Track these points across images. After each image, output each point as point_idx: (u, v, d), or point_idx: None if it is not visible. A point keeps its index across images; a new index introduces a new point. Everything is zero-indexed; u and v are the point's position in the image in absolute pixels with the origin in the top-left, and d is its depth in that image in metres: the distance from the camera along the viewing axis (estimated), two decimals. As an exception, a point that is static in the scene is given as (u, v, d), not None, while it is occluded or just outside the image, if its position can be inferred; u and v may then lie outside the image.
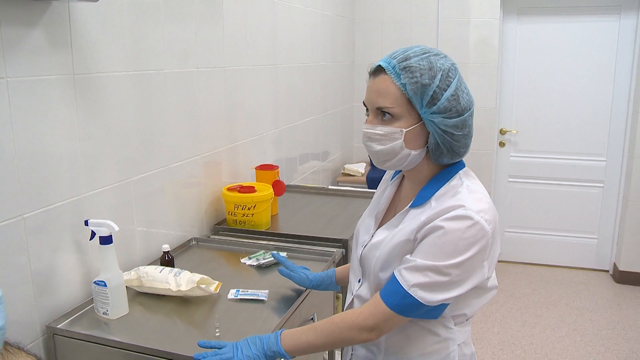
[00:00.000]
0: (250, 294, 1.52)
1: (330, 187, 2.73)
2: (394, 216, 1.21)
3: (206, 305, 1.48)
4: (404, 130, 1.08)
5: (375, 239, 1.20)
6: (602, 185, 4.04)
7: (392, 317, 1.08)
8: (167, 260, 1.66)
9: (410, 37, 3.95)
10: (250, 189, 2.09)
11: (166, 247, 1.66)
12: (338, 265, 1.84)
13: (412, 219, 1.12)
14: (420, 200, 1.13)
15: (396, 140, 1.09)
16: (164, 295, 1.52)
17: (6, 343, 0.70)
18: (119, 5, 1.56)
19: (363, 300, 1.21)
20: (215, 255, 1.88)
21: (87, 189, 1.49)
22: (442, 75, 1.06)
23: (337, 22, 3.62)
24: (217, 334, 1.32)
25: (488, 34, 3.84)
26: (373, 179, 3.58)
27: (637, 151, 3.72)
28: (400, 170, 1.26)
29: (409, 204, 1.16)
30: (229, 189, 2.11)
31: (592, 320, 3.42)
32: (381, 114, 1.09)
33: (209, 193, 2.12)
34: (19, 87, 1.27)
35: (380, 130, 1.09)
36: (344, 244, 1.93)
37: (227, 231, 2.08)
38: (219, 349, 1.16)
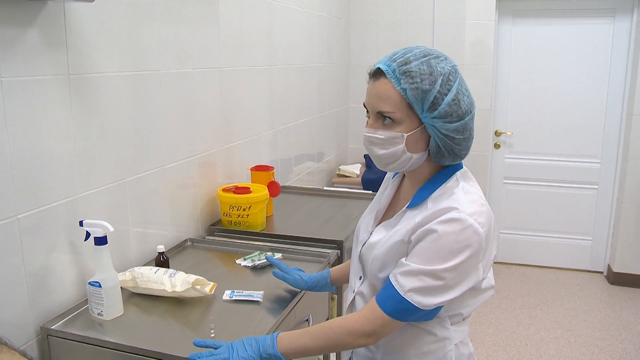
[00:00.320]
0: (245, 295, 1.53)
1: (325, 188, 2.74)
2: (392, 215, 1.22)
3: (201, 306, 1.48)
4: (405, 134, 1.09)
5: (373, 237, 1.21)
6: (596, 187, 4.06)
7: (389, 322, 1.08)
8: (162, 261, 1.66)
9: (405, 39, 3.96)
10: (245, 190, 2.09)
11: (161, 248, 1.66)
12: (333, 266, 1.84)
13: (408, 220, 1.13)
14: (417, 201, 1.14)
15: (398, 145, 1.10)
16: (158, 296, 1.52)
17: (1, 343, 0.70)
18: (114, 5, 1.56)
19: (365, 297, 1.22)
20: (210, 256, 1.88)
21: (82, 190, 1.49)
22: (442, 79, 1.06)
23: (332, 23, 3.63)
24: (212, 335, 1.32)
25: (483, 36, 3.85)
26: (368, 180, 3.59)
27: (631, 153, 3.75)
28: None
29: (406, 205, 1.17)
30: (224, 190, 2.11)
31: (586, 322, 3.44)
32: (382, 118, 1.10)
33: (204, 194, 2.12)
34: (13, 87, 1.27)
35: (382, 134, 1.10)
36: (339, 245, 1.93)
37: (222, 232, 2.08)
38: (214, 349, 1.16)
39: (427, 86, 1.05)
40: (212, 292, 1.53)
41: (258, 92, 2.56)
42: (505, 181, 4.21)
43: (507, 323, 3.44)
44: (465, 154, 1.15)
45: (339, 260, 1.91)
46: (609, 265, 4.06)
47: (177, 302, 1.50)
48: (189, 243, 1.98)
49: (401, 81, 1.06)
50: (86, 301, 1.46)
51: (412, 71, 1.06)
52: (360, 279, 1.25)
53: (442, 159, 1.13)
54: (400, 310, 1.07)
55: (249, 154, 2.48)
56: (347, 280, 1.45)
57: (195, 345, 1.19)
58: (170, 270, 1.54)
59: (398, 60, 1.08)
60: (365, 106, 1.14)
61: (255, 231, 2.07)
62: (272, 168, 2.32)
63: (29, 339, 1.36)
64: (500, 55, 4.01)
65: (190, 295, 1.50)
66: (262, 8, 2.53)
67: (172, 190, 1.91)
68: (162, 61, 1.79)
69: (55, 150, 1.40)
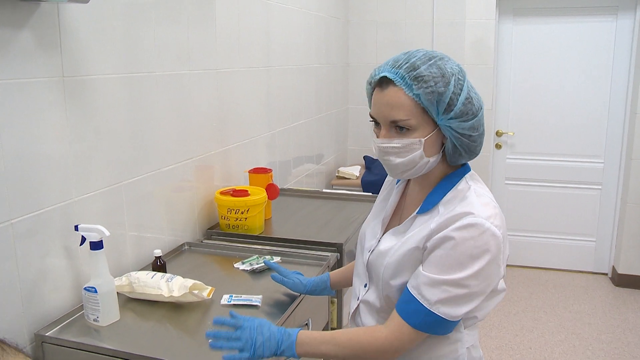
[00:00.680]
0: (243, 299, 1.52)
1: (324, 190, 2.74)
2: (399, 221, 1.21)
3: (199, 311, 1.48)
4: (423, 140, 1.08)
5: (382, 245, 1.19)
6: (599, 187, 4.06)
7: (417, 336, 1.09)
8: (159, 265, 1.66)
9: (404, 39, 3.97)
10: (243, 193, 2.09)
11: (158, 252, 1.66)
12: (332, 269, 1.84)
13: (420, 226, 1.12)
14: (428, 206, 1.14)
15: (416, 151, 1.09)
16: (155, 301, 1.52)
17: (3, 343, 0.70)
18: (110, 6, 1.57)
19: (370, 305, 1.21)
20: (208, 260, 1.88)
21: (77, 194, 1.49)
22: (454, 80, 1.06)
23: (331, 23, 3.64)
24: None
25: (483, 35, 3.86)
26: (368, 182, 3.59)
27: (635, 152, 3.75)
28: None
29: (416, 210, 1.16)
30: (222, 193, 2.11)
31: (591, 324, 3.44)
32: (396, 127, 1.09)
33: (202, 197, 2.12)
34: (7, 90, 1.27)
35: (398, 143, 1.09)
36: (339, 248, 1.93)
37: (220, 235, 2.08)
38: (234, 330, 1.13)
39: (442, 88, 1.05)
40: (210, 297, 1.52)
41: (255, 93, 2.56)
42: (507, 182, 4.21)
43: (510, 326, 3.44)
44: (480, 150, 1.15)
45: (339, 263, 1.91)
46: (613, 266, 4.06)
47: (174, 307, 1.49)
48: (186, 247, 1.98)
49: (413, 87, 1.05)
50: (82, 307, 1.45)
51: (424, 75, 1.05)
52: (365, 286, 1.24)
53: (460, 158, 1.13)
54: (428, 324, 1.07)
55: (246, 156, 2.48)
56: (347, 285, 1.44)
57: (214, 324, 1.16)
58: (168, 275, 1.54)
59: (405, 66, 1.07)
60: (372, 117, 1.12)
61: (254, 234, 2.06)
62: (271, 170, 2.32)
63: (23, 346, 1.35)
64: (500, 55, 4.02)
65: (188, 300, 1.49)
66: (259, 8, 2.53)
67: (169, 194, 1.91)
68: (158, 63, 1.80)
69: (50, 153, 1.40)
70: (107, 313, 1.40)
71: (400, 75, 1.07)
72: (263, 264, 1.76)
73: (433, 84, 1.05)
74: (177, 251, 1.93)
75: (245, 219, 2.06)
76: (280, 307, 1.50)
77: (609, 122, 3.94)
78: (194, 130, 2.05)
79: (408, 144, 1.08)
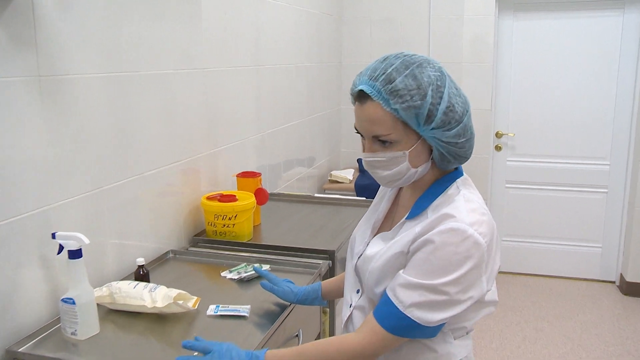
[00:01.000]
0: (231, 309, 1.52)
1: (316, 195, 2.74)
2: (390, 226, 1.23)
3: (184, 322, 1.48)
4: (407, 152, 1.11)
5: (369, 250, 1.21)
6: (605, 190, 4.08)
7: (391, 340, 1.09)
8: (141, 274, 1.65)
9: (400, 36, 3.98)
10: (231, 198, 2.09)
11: (141, 261, 1.65)
12: (324, 278, 1.84)
13: (407, 231, 1.14)
14: (417, 211, 1.15)
15: (401, 163, 1.12)
16: (138, 313, 1.51)
17: None
18: (90, 1, 1.56)
19: (365, 311, 1.22)
20: (193, 269, 1.87)
21: (55, 199, 1.48)
22: (432, 89, 1.07)
23: (323, 20, 3.65)
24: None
25: (482, 32, 3.88)
26: (362, 186, 3.59)
27: (641, 154, 3.77)
28: None
29: (406, 216, 1.18)
30: (209, 198, 2.11)
31: (598, 335, 3.45)
32: (379, 141, 1.11)
33: (187, 202, 2.12)
34: (-20, 90, 1.26)
35: (383, 156, 1.12)
36: (331, 256, 1.93)
37: (206, 243, 2.07)
38: (203, 355, 1.18)
39: (419, 102, 1.06)
40: (196, 307, 1.52)
41: (244, 94, 2.56)
42: (507, 185, 4.23)
43: (512, 337, 3.44)
44: (471, 153, 1.17)
45: (331, 271, 1.91)
46: (621, 274, 4.07)
47: (158, 319, 1.49)
48: (171, 255, 1.97)
49: (390, 102, 1.07)
50: (58, 320, 1.44)
51: (399, 89, 1.06)
52: (358, 292, 1.25)
53: (449, 164, 1.15)
54: (402, 327, 1.08)
55: (234, 159, 2.48)
56: (339, 295, 1.45)
57: (184, 347, 1.20)
58: (151, 285, 1.53)
59: (381, 79, 1.08)
60: (356, 129, 1.15)
61: (242, 241, 2.06)
62: (260, 174, 2.32)
63: (-4, 361, 1.34)
64: (500, 52, 4.04)
65: (172, 311, 1.49)
66: (248, 5, 2.54)
67: (153, 199, 1.90)
68: (141, 61, 1.79)
69: (26, 157, 1.39)
70: (86, 326, 1.39)
71: (377, 89, 1.09)
72: (252, 272, 1.75)
73: (409, 97, 1.06)
74: (161, 259, 1.93)
75: (233, 225, 2.06)
76: (270, 317, 1.50)
77: (615, 122, 3.95)
78: (180, 132, 2.05)
79: (393, 157, 1.11)
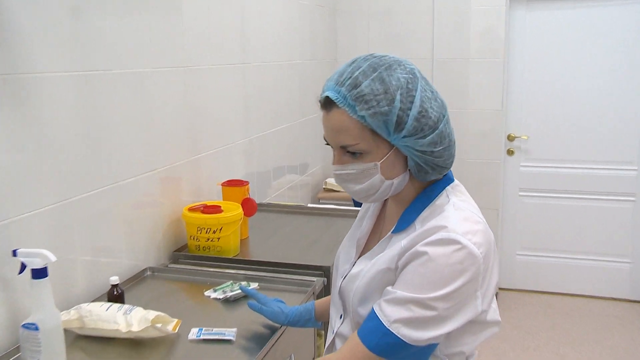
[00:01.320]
0: (215, 333, 1.51)
1: (310, 205, 2.74)
2: (378, 242, 1.23)
3: (163, 348, 1.47)
4: (378, 163, 1.12)
5: (355, 269, 1.22)
6: (633, 198, 4.06)
7: None
8: (115, 295, 1.64)
9: (401, 30, 4.00)
10: (215, 209, 2.09)
11: (115, 280, 1.65)
12: (319, 297, 1.83)
13: (393, 246, 1.15)
14: (403, 224, 1.16)
15: (373, 176, 1.13)
16: (111, 338, 1.50)
17: None
18: (55, -7, 1.56)
19: (345, 339, 1.21)
20: (174, 288, 1.87)
21: (17, 212, 1.47)
22: (401, 94, 1.08)
23: (316, 12, 3.66)
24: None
25: (492, 24, 3.90)
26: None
27: (668, 158, 3.78)
28: None
29: (392, 230, 1.18)
30: (191, 209, 2.11)
31: None
32: (348, 152, 1.12)
33: (167, 214, 2.12)
34: None
35: (352, 169, 1.13)
36: (326, 272, 1.93)
37: (188, 259, 2.07)
38: None
39: (386, 107, 1.07)
40: (176, 331, 1.51)
41: (230, 94, 2.56)
42: (521, 193, 4.23)
43: (528, 360, 3.43)
44: (451, 162, 1.17)
45: (326, 289, 1.90)
46: (651, 291, 4.06)
47: (133, 345, 1.48)
48: (148, 273, 1.97)
49: (356, 108, 1.08)
50: (18, 349, 1.42)
51: (365, 94, 1.07)
52: (340, 317, 1.26)
53: (427, 175, 1.15)
54: (385, 345, 1.07)
55: (219, 166, 2.47)
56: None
57: None
58: (126, 306, 1.52)
59: (347, 84, 1.09)
60: (325, 139, 1.17)
61: (228, 257, 2.06)
62: (247, 183, 2.33)
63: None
64: (512, 47, 4.05)
65: (150, 336, 1.48)
66: (232, -4, 2.55)
67: (128, 211, 1.90)
68: (114, 59, 1.79)
69: (-15, 165, 1.38)
70: (51, 354, 1.36)
71: (342, 95, 1.09)
72: (239, 291, 1.75)
73: (375, 103, 1.07)
74: (138, 278, 1.92)
75: (218, 239, 2.06)
76: (258, 341, 1.49)
77: (641, 123, 3.93)
78: (158, 137, 2.04)
79: (363, 170, 1.12)
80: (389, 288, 1.10)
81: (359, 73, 1.09)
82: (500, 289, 4.30)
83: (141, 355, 1.43)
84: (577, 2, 3.91)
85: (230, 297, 1.75)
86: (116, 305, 1.52)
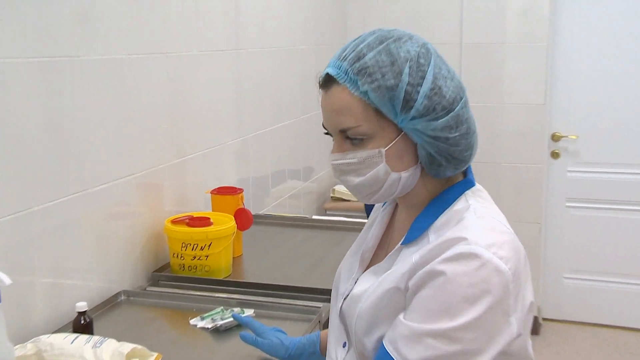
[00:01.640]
0: (201, 369, 1.51)
1: (315, 217, 2.74)
2: (385, 254, 1.22)
3: (139, 386, 1.47)
4: (383, 150, 1.12)
5: (357, 287, 1.22)
6: None
7: None
8: (83, 324, 1.64)
9: (422, 10, 4.00)
10: (203, 221, 2.09)
11: (82, 306, 1.65)
12: (325, 327, 1.83)
13: (404, 260, 1.14)
14: (415, 233, 1.16)
15: (377, 165, 1.13)
16: (78, 375, 1.50)
17: None
18: (15, -34, 1.57)
19: None
20: (153, 315, 1.87)
21: (-31, 224, 1.48)
22: (410, 66, 1.09)
23: (324, -11, 3.68)
24: None
25: (534, 3, 3.90)
26: (372, 204, 3.59)
27: None
28: None
29: (401, 241, 1.18)
30: (174, 222, 2.11)
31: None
32: (349, 138, 1.13)
33: (146, 227, 2.12)
34: None
35: (353, 157, 1.13)
36: (335, 296, 1.92)
37: (170, 280, 2.08)
38: None
39: (392, 80, 1.08)
40: (156, 367, 1.51)
41: (221, 85, 2.57)
42: (568, 204, 4.22)
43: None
44: (471, 156, 1.17)
45: (335, 317, 1.90)
46: None
47: (104, 382, 1.48)
48: (123, 297, 1.97)
49: (358, 83, 1.09)
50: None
51: (369, 67, 1.09)
52: (344, 346, 1.25)
53: (441, 169, 1.15)
54: None
55: (208, 171, 2.48)
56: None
57: None
58: (95, 338, 1.52)
59: (349, 57, 1.11)
60: (324, 128, 1.18)
61: (218, 278, 2.06)
62: (241, 190, 2.33)
63: None
64: (558, 29, 4.04)
65: (124, 372, 1.48)
66: (224, -31, 2.56)
67: (100, 223, 1.90)
68: (84, 44, 1.80)
69: None
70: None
71: (343, 69, 1.11)
72: (231, 320, 1.75)
73: (380, 76, 1.08)
74: (111, 303, 1.92)
75: (206, 257, 2.06)
76: (253, 380, 1.49)
77: None
78: (137, 135, 2.05)
79: (366, 158, 1.13)
80: (401, 318, 1.08)
81: (364, 46, 1.11)
82: (543, 319, 4.28)
83: (114, 395, 1.43)
84: (635, -25, 3.90)
85: (221, 326, 1.74)
86: (83, 337, 1.52)
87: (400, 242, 1.18)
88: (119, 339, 1.57)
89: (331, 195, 3.81)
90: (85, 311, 1.65)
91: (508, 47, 3.95)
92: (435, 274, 1.05)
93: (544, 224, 4.21)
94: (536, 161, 4.05)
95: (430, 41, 1.17)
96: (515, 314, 1.07)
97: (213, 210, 2.29)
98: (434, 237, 1.12)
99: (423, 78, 1.09)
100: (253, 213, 2.37)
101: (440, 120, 1.10)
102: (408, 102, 1.08)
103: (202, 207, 2.40)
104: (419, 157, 1.14)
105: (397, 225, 1.26)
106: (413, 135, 1.11)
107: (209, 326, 1.75)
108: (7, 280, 1.34)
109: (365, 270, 1.25)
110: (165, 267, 2.17)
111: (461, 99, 1.13)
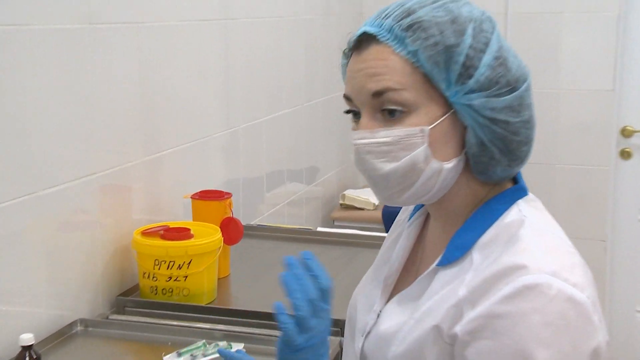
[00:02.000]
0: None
1: (320, 229, 2.74)
2: (415, 277, 1.22)
3: None
4: (427, 128, 1.10)
5: (384, 323, 1.20)
6: None
7: None
8: (29, 360, 1.65)
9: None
10: (182, 233, 2.10)
11: (28, 339, 1.63)
12: (334, 364, 1.84)
13: (443, 288, 1.12)
14: (455, 252, 1.14)
15: (416, 148, 1.10)
16: None
17: None
18: None
19: None
20: (118, 351, 1.87)
21: None
22: (473, 28, 1.09)
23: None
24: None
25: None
26: (391, 214, 3.58)
27: None
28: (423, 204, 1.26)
29: (437, 261, 1.16)
30: (146, 234, 2.11)
31: None
32: (382, 111, 1.11)
33: (110, 240, 2.12)
34: None
35: (386, 136, 1.11)
36: (343, 327, 1.92)
37: (140, 307, 2.08)
38: None
39: (452, 39, 1.07)
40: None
41: (205, 64, 2.58)
42: (642, 217, 4.21)
43: None
44: (528, 153, 1.16)
45: (342, 354, 1.91)
46: None
47: None
48: (79, 328, 1.96)
49: (407, 40, 1.08)
50: None
51: (423, 20, 1.08)
52: None
53: (491, 164, 1.14)
54: None
55: (188, 170, 2.49)
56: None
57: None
58: (45, 377, 1.53)
59: (395, 14, 1.10)
60: (347, 99, 1.16)
61: (199, 305, 2.06)
62: (229, 195, 2.33)
63: None
64: (628, -2, 4.05)
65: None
66: None
67: (52, 235, 1.90)
68: (33, 9, 1.80)
69: None
70: None
71: (386, 27, 1.10)
72: (215, 355, 1.76)
73: (437, 31, 1.07)
74: (64, 335, 1.92)
75: (185, 277, 2.06)
76: None
77: None
78: (99, 125, 2.05)
79: (403, 137, 1.10)
80: None
81: (414, 3, 1.11)
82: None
83: None
84: None
85: (202, 364, 1.76)
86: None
87: (435, 263, 1.16)
88: (74, 378, 1.59)
89: (340, 202, 3.81)
90: (32, 345, 1.64)
91: (567, 18, 3.95)
92: (495, 318, 1.03)
93: (611, 242, 4.20)
94: (601, 162, 4.04)
95: None
96: (604, 354, 1.05)
97: (194, 220, 2.29)
98: (479, 257, 1.10)
99: (487, 45, 1.09)
100: (244, 223, 2.38)
101: (503, 97, 1.10)
102: (468, 69, 1.08)
103: (180, 215, 2.40)
104: (465, 146, 1.13)
105: (429, 241, 1.25)
106: (465, 114, 1.10)
107: (188, 364, 1.76)
108: None
109: (389, 299, 1.24)
110: (134, 290, 2.17)
111: (525, 80, 1.13)
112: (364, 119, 1.13)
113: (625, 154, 4.17)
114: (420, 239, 1.29)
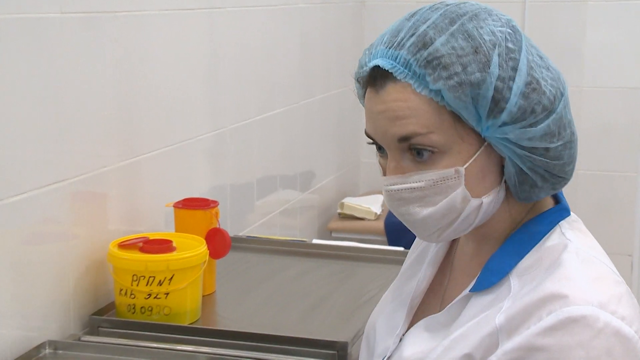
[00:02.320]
0: None
1: (316, 241, 2.74)
2: (441, 304, 1.23)
3: None
4: (462, 168, 1.11)
5: (408, 349, 1.21)
6: None
7: None
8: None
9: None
10: (163, 246, 2.10)
11: (-8, 361, 1.66)
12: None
13: (477, 317, 1.13)
14: (492, 278, 1.15)
15: (453, 190, 1.11)
16: None
17: None
18: None
19: None
20: (91, 376, 1.88)
21: None
22: (499, 54, 1.08)
23: None
24: None
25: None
26: (395, 225, 3.58)
27: None
28: None
29: (470, 286, 1.17)
30: (123, 246, 2.11)
31: None
32: (411, 151, 1.12)
33: (82, 253, 2.12)
34: None
35: (419, 180, 1.12)
36: (342, 352, 1.93)
37: (116, 327, 2.07)
38: None
39: (478, 74, 1.07)
40: None
41: (189, 58, 2.58)
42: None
43: None
44: (573, 170, 1.17)
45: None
46: None
47: None
48: (48, 350, 1.96)
49: (428, 79, 1.08)
50: None
51: (442, 56, 1.07)
52: None
53: (534, 191, 1.15)
54: None
55: (170, 176, 2.49)
56: None
57: None
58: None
59: (409, 44, 1.10)
60: (370, 137, 1.17)
61: (182, 325, 2.07)
62: (216, 204, 2.34)
63: None
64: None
65: None
66: None
67: (17, 248, 1.90)
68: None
69: None
70: None
71: (402, 60, 1.10)
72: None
73: (460, 69, 1.07)
74: (31, 358, 1.90)
75: (166, 295, 2.06)
76: None
77: None
78: (71, 126, 2.05)
79: (437, 180, 1.11)
80: None
81: (428, 27, 1.10)
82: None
83: None
84: None
85: (184, 390, 1.77)
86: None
87: (468, 288, 1.17)
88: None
89: (338, 211, 3.81)
90: (-3, 368, 1.67)
91: (591, 7, 3.95)
92: (534, 351, 1.04)
93: (638, 257, 4.21)
94: (628, 168, 4.06)
95: (483, 1, 1.18)
96: None
97: (177, 231, 2.30)
98: (518, 283, 1.11)
99: (515, 70, 1.09)
100: (231, 235, 2.39)
101: (540, 125, 1.10)
102: (498, 103, 1.08)
103: (161, 225, 2.41)
104: (504, 175, 1.14)
105: (458, 262, 1.26)
106: (501, 147, 1.11)
107: (169, 390, 1.78)
108: None
109: (412, 324, 1.25)
110: (109, 308, 2.17)
111: (562, 95, 1.13)
112: (392, 162, 1.14)
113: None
114: (448, 257, 1.30)
